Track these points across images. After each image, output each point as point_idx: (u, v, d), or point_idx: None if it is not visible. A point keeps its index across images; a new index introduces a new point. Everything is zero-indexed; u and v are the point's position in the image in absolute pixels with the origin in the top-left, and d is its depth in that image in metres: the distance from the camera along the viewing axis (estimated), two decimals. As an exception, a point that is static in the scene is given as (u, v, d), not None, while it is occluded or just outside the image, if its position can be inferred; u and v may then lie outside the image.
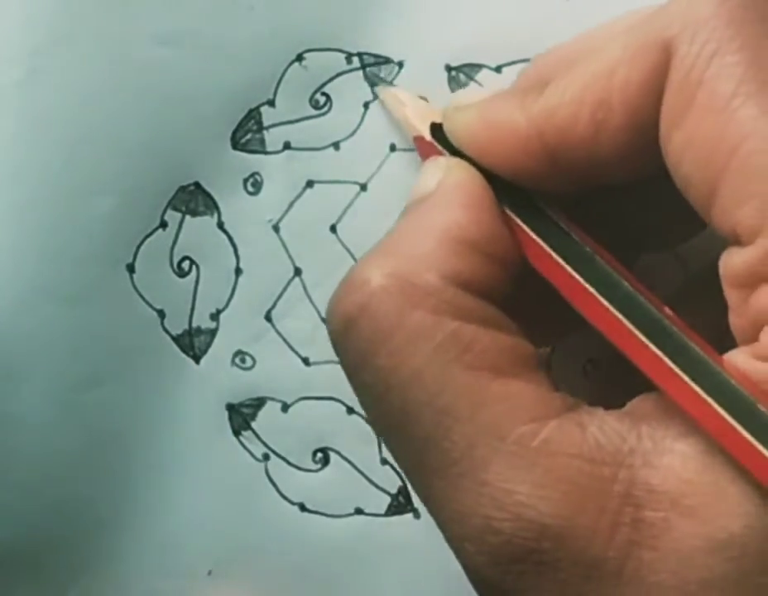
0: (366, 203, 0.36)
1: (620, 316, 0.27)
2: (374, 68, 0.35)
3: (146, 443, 0.35)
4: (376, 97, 0.35)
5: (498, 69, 0.36)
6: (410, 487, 0.36)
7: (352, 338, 0.28)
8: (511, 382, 0.27)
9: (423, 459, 0.27)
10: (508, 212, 0.30)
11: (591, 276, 0.28)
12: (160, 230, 0.35)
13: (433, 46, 0.35)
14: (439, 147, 0.32)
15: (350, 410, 0.36)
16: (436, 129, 0.33)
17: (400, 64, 0.35)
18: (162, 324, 0.36)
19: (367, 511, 0.36)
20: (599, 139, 0.28)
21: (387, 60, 0.35)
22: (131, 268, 0.35)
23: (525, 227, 0.30)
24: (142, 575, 0.36)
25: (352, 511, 0.36)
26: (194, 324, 0.36)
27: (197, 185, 0.35)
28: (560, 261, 0.29)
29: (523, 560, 0.26)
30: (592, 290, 0.28)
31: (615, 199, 0.31)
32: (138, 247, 0.35)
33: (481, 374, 0.27)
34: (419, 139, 0.33)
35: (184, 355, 0.36)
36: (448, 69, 0.36)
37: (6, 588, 0.35)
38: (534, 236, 0.29)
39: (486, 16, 0.35)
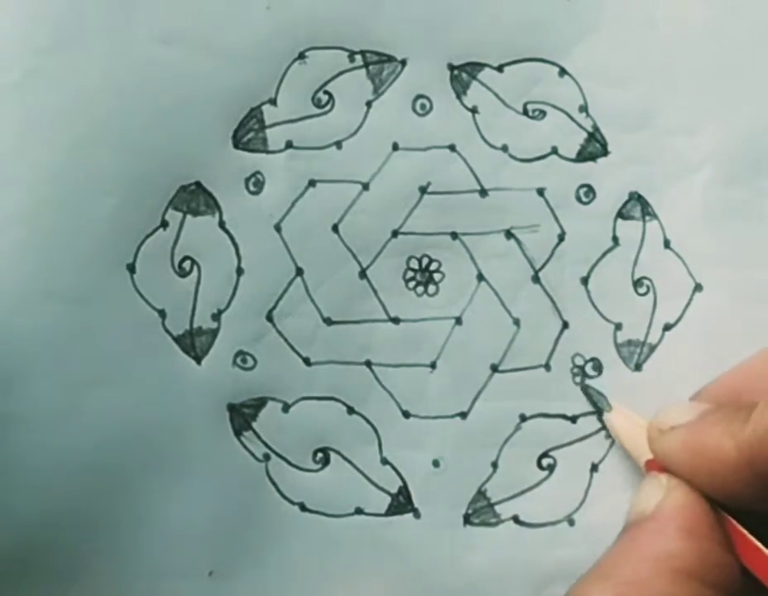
0: (368, 202, 0.36)
1: None
2: (376, 66, 0.35)
3: (147, 443, 0.35)
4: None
5: (500, 69, 0.36)
6: (410, 486, 0.36)
7: None
8: None
9: None
10: (732, 523, 0.31)
11: None
12: (161, 230, 0.35)
13: (435, 45, 0.35)
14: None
15: (350, 410, 0.36)
16: None
17: (403, 63, 0.35)
18: (163, 324, 0.35)
19: (367, 511, 0.36)
20: None
21: (390, 59, 0.35)
22: (131, 268, 0.35)
23: (750, 537, 0.30)
24: (143, 576, 0.36)
25: (352, 511, 0.36)
26: (196, 325, 0.36)
27: (198, 184, 0.35)
28: None
29: None
30: None
31: None
32: (139, 247, 0.35)
33: None
34: (652, 463, 0.34)
35: (185, 355, 0.36)
36: (451, 67, 0.36)
37: (6, 588, 0.35)
38: (758, 545, 0.30)
39: (488, 15, 0.35)
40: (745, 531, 0.31)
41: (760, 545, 0.30)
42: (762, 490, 0.29)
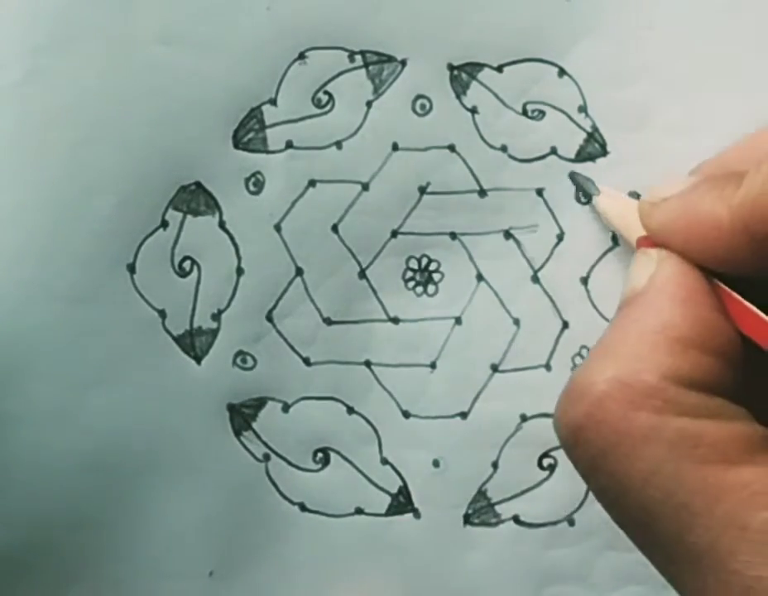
0: (368, 202, 0.36)
1: None
2: (376, 66, 0.35)
3: (147, 443, 0.35)
4: (587, 200, 0.36)
5: (500, 69, 0.36)
6: (410, 486, 0.36)
7: (581, 447, 0.28)
8: (744, 469, 0.27)
9: (670, 555, 0.27)
10: (726, 290, 0.30)
11: None
12: (161, 230, 0.35)
13: (435, 45, 0.35)
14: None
15: (350, 410, 0.36)
16: None
17: (403, 63, 0.35)
18: (163, 324, 0.36)
19: (367, 511, 0.36)
20: None
21: (390, 59, 0.35)
22: (131, 268, 0.35)
23: (745, 303, 0.30)
24: (143, 576, 0.36)
25: (352, 511, 0.36)
26: (196, 325, 0.36)
27: (198, 184, 0.35)
28: None
29: None
30: None
31: None
32: (139, 247, 0.35)
33: (713, 467, 0.27)
34: (643, 240, 0.33)
35: (185, 355, 0.36)
36: (451, 68, 0.36)
37: (6, 589, 0.35)
38: (754, 310, 0.29)
39: (488, 15, 0.35)
40: (739, 297, 0.30)
41: (754, 308, 0.29)
42: (757, 254, 0.29)
